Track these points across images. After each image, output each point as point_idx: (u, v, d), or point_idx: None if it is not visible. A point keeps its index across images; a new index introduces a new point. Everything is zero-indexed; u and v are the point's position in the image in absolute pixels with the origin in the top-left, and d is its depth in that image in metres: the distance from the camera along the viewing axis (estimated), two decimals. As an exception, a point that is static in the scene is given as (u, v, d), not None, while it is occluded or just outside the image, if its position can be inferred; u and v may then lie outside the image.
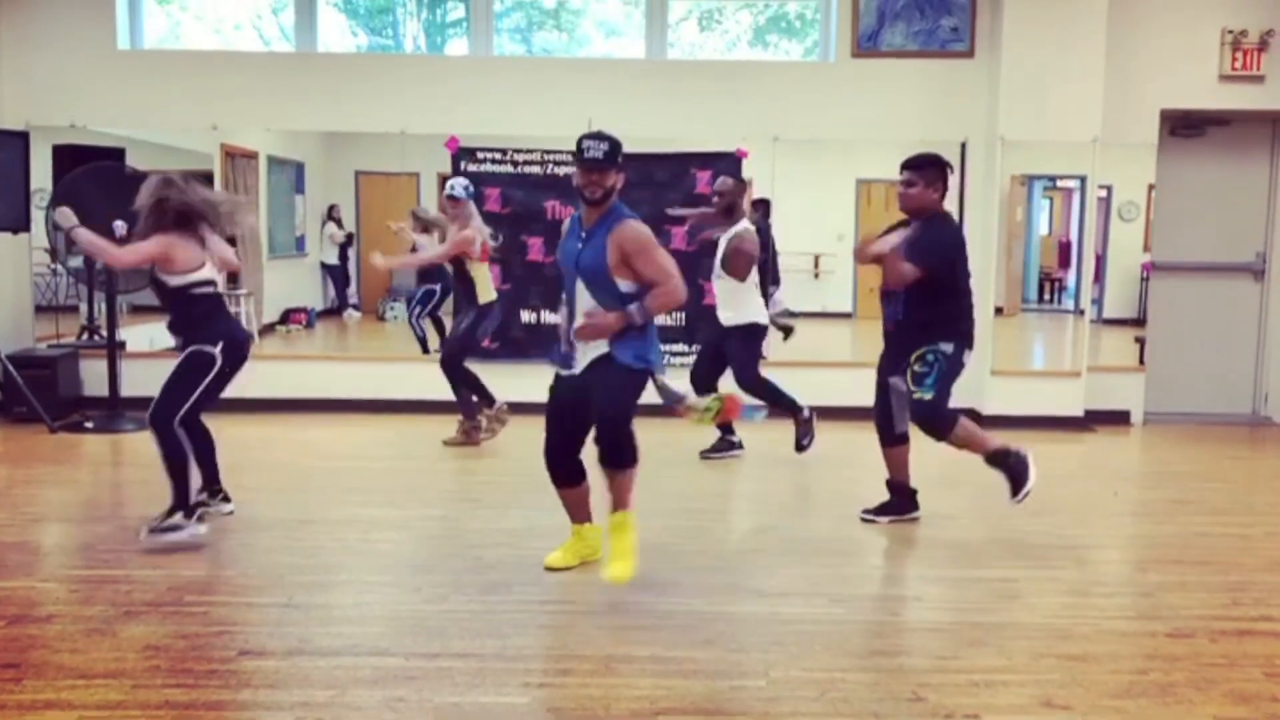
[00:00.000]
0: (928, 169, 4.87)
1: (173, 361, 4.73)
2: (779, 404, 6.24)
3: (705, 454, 6.36)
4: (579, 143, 3.98)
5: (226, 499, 4.95)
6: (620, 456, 4.00)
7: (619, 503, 4.06)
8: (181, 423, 4.59)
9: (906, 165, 4.92)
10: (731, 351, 6.23)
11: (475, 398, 6.61)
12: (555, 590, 4.06)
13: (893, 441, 5.12)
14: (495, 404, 6.60)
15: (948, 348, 4.88)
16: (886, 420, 5.10)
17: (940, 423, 4.88)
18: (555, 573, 4.23)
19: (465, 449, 6.54)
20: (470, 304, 6.54)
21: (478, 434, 6.64)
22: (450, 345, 6.67)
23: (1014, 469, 4.83)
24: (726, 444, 6.42)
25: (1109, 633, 3.74)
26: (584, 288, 4.05)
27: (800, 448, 6.26)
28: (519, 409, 6.98)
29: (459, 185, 6.47)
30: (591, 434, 4.07)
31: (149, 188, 4.57)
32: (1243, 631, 3.78)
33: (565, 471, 4.24)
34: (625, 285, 3.99)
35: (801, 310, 8.92)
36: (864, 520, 5.07)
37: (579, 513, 4.35)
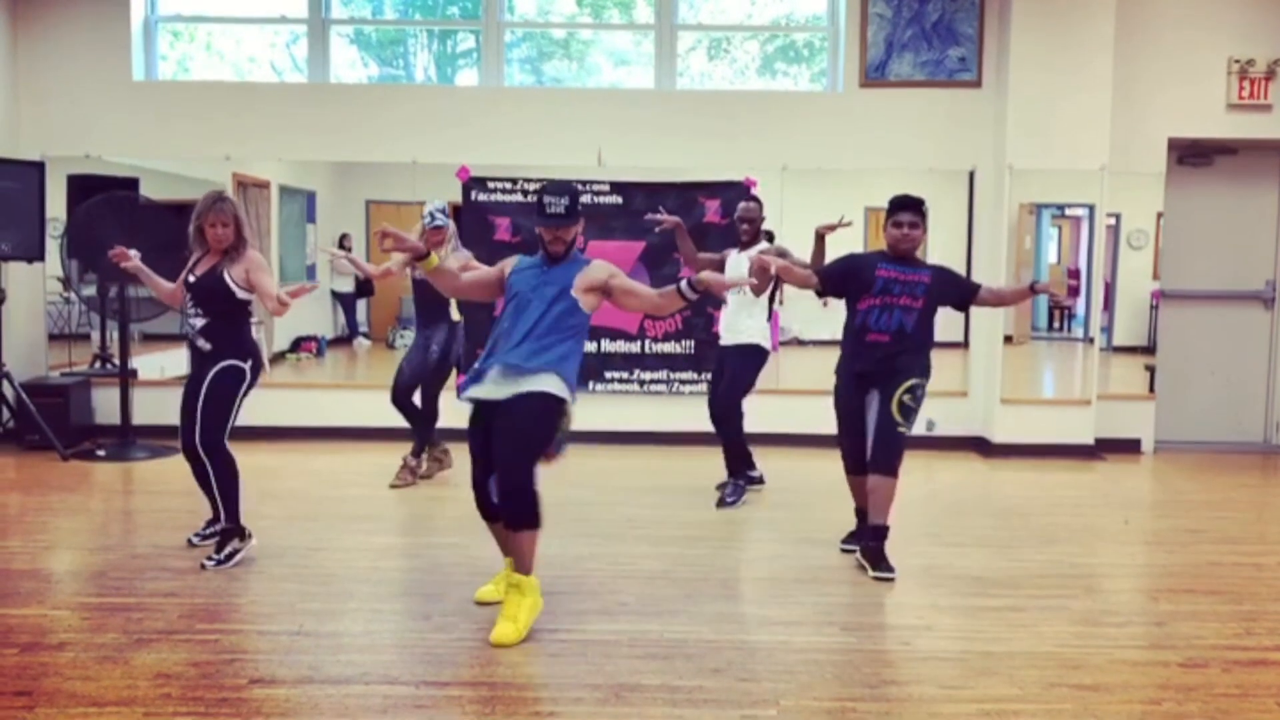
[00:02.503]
0: (924, 210, 4.87)
1: (184, 385, 4.81)
2: (736, 452, 6.10)
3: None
4: (539, 198, 3.98)
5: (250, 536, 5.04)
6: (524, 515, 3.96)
7: (511, 553, 4.05)
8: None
9: (907, 205, 4.84)
10: (733, 368, 6.05)
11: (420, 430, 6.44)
12: (565, 619, 4.06)
13: (865, 470, 4.92)
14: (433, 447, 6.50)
15: (927, 383, 4.87)
16: (862, 446, 4.90)
17: (899, 461, 4.80)
18: (485, 606, 4.18)
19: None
20: (442, 320, 6.28)
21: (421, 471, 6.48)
22: (421, 374, 6.32)
23: (877, 551, 4.79)
24: (746, 478, 6.30)
25: (1121, 663, 3.73)
26: (535, 310, 3.94)
27: (722, 502, 6.00)
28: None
29: (439, 214, 6.14)
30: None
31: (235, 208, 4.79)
32: (1256, 662, 3.76)
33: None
34: (587, 304, 4.00)
35: (809, 338, 8.94)
36: (845, 552, 5.00)
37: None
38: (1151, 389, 8.07)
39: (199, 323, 4.70)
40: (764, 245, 6.09)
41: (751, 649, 3.80)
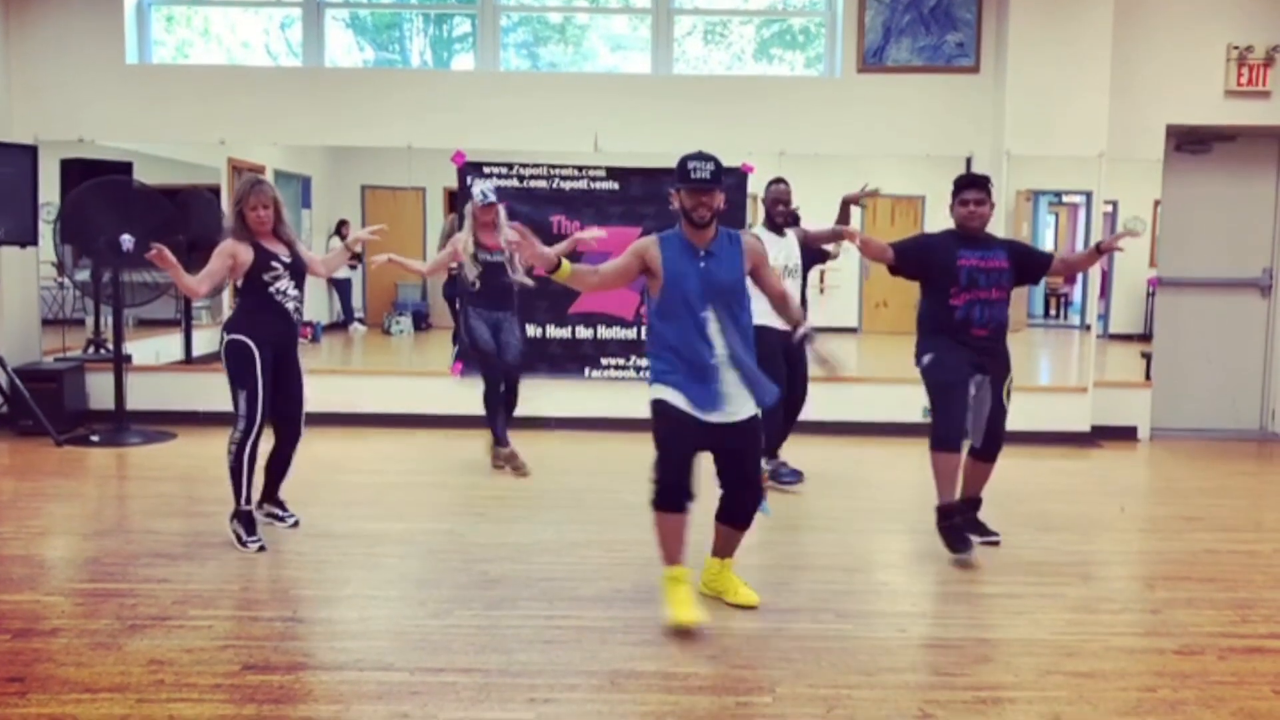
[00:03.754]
0: (990, 188, 4.86)
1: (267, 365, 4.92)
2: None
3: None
4: (682, 165, 3.88)
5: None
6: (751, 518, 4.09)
7: (730, 551, 4.17)
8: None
9: (974, 183, 4.84)
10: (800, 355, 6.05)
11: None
12: (561, 606, 4.05)
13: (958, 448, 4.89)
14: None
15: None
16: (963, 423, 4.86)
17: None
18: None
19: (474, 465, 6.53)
20: (512, 302, 6.39)
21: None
22: (520, 351, 6.48)
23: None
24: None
25: (1117, 650, 3.73)
26: (712, 309, 3.89)
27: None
28: (522, 424, 6.99)
29: (490, 192, 6.28)
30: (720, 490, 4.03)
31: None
32: (1251, 649, 3.76)
33: (686, 499, 3.92)
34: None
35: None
36: (992, 544, 4.93)
37: (682, 548, 3.99)
38: (1148, 376, 8.07)
39: (301, 297, 4.96)
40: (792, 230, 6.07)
41: (747, 636, 3.79)
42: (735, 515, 4.05)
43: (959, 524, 4.82)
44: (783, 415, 6.21)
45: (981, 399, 4.86)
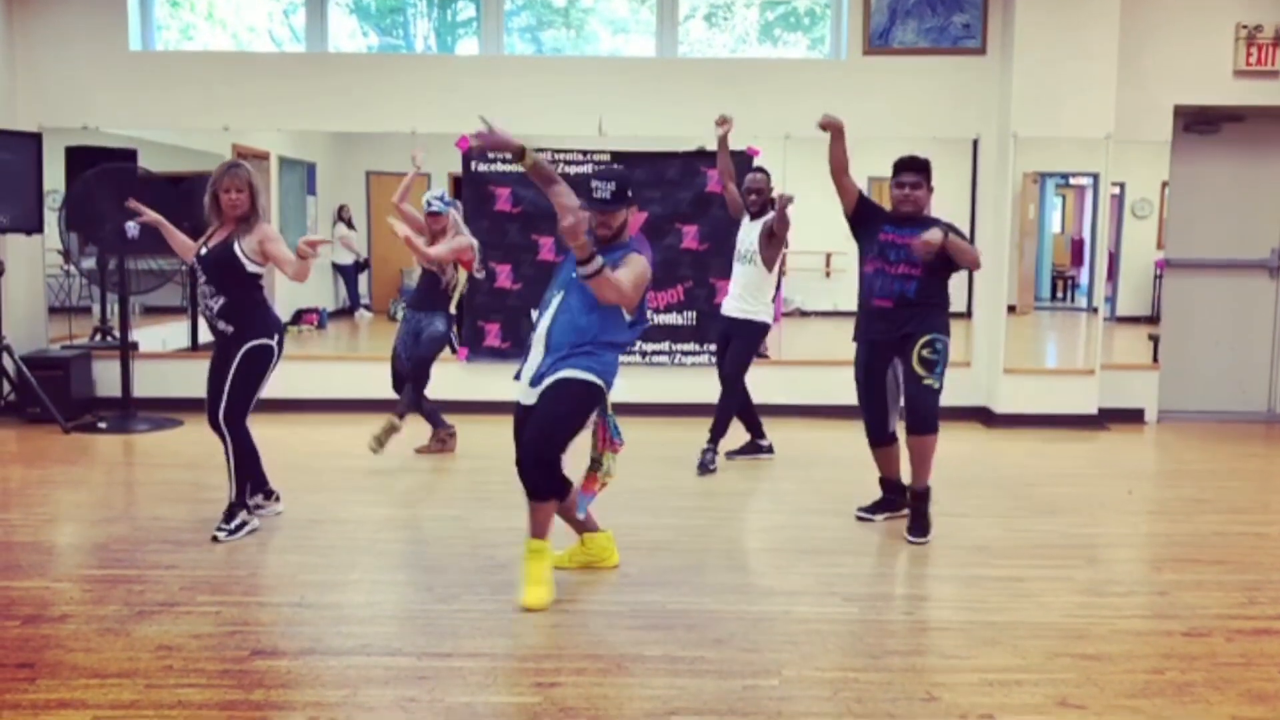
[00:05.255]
0: (928, 171, 4.86)
1: (210, 362, 4.78)
2: (746, 418, 6.28)
3: (731, 454, 6.33)
4: (589, 182, 3.99)
5: (277, 498, 5.12)
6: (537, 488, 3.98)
7: (533, 531, 4.01)
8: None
9: (910, 166, 4.85)
10: (737, 343, 6.18)
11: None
12: (567, 590, 4.05)
13: (887, 441, 5.07)
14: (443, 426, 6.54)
15: (948, 339, 4.87)
16: (883, 416, 5.02)
17: (935, 417, 4.84)
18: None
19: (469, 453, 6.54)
20: (441, 307, 6.31)
21: (453, 441, 6.55)
22: (428, 351, 6.32)
23: (926, 516, 4.87)
24: (754, 446, 6.39)
25: (1124, 632, 3.72)
26: (560, 300, 3.97)
27: (705, 466, 6.06)
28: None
29: (435, 200, 6.21)
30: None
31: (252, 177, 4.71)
32: (1260, 630, 3.76)
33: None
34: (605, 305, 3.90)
35: (812, 309, 8.91)
36: (860, 519, 5.09)
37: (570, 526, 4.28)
38: (1155, 359, 8.05)
39: (216, 304, 4.65)
40: (772, 215, 6.08)
41: (754, 619, 3.80)
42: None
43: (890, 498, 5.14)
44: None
45: (899, 377, 4.94)
